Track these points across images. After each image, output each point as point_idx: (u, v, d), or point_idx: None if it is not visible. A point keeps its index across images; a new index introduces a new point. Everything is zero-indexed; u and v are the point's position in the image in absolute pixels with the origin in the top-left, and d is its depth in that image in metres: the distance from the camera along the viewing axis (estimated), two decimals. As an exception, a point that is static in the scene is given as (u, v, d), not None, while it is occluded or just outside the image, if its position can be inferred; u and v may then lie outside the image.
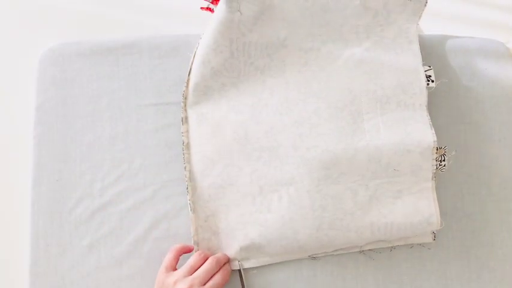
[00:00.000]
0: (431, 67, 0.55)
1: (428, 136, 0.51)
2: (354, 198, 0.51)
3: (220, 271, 0.51)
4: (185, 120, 0.56)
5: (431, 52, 0.60)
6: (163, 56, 0.59)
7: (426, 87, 0.53)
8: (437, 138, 0.56)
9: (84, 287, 0.53)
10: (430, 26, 0.70)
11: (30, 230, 0.54)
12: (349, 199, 0.51)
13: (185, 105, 0.56)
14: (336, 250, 0.53)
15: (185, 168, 0.55)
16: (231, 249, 0.53)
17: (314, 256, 0.53)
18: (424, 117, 0.52)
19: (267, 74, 0.56)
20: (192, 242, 0.54)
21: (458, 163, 0.56)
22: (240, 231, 0.53)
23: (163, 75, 0.59)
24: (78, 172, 0.56)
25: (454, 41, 0.61)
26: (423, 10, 0.56)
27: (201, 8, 0.58)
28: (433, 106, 0.57)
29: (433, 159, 0.51)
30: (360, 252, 0.54)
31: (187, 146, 0.56)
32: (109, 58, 0.59)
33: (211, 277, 0.50)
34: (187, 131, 0.56)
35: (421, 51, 0.56)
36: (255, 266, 0.53)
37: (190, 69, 0.56)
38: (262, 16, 0.54)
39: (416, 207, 0.51)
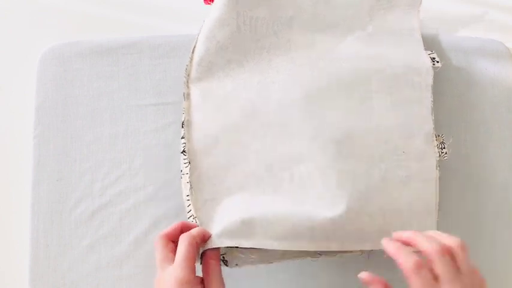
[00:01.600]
0: (434, 51, 0.55)
1: (428, 122, 0.52)
2: (368, 179, 0.49)
3: (179, 243, 0.44)
4: (187, 96, 0.54)
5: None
6: (163, 56, 0.59)
7: (432, 67, 0.54)
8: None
9: (84, 287, 0.53)
10: (430, 26, 0.70)
11: (30, 230, 0.54)
12: (363, 178, 0.49)
13: (187, 82, 0.54)
14: (340, 252, 0.50)
15: (184, 147, 0.52)
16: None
17: (319, 253, 0.50)
18: (428, 99, 0.52)
19: (272, 53, 0.55)
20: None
21: (458, 163, 0.56)
22: (239, 213, 0.47)
23: (163, 75, 0.59)
24: (78, 172, 0.56)
25: (454, 41, 0.61)
26: None
27: (205, 2, 0.58)
28: (433, 106, 0.57)
29: (435, 146, 0.51)
30: (361, 253, 0.53)
31: (187, 123, 0.53)
32: (109, 58, 0.59)
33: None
34: (189, 108, 0.53)
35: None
36: (253, 246, 0.46)
37: (195, 46, 0.54)
38: None
39: (420, 196, 0.50)
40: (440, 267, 0.40)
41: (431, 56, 0.55)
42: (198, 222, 0.48)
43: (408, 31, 0.56)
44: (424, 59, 0.55)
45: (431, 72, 0.54)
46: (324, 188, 0.48)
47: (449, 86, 0.59)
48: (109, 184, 0.55)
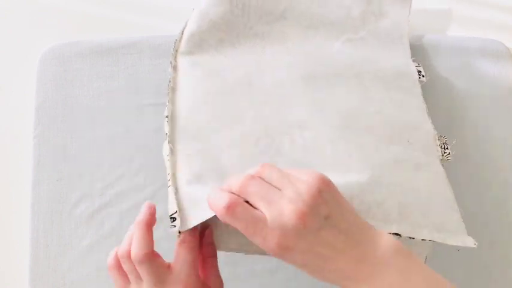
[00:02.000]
0: (420, 64, 0.55)
1: (427, 122, 0.50)
2: (379, 156, 0.45)
3: (179, 246, 0.39)
4: (174, 68, 0.50)
5: (431, 52, 0.60)
6: (163, 56, 0.59)
7: (418, 80, 0.53)
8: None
9: (84, 287, 0.53)
10: (430, 26, 0.70)
11: (30, 230, 0.54)
12: (374, 154, 0.45)
13: (175, 55, 0.51)
14: None
15: (166, 110, 0.46)
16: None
17: None
18: (423, 104, 0.52)
19: (267, 41, 0.54)
20: (170, 191, 0.44)
21: (458, 163, 0.56)
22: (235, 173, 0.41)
23: (163, 75, 0.58)
24: (78, 172, 0.56)
25: (454, 41, 0.61)
26: (411, 3, 0.57)
27: None
28: (432, 106, 0.57)
29: (437, 145, 0.49)
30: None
31: (172, 89, 0.48)
32: (109, 58, 0.59)
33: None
34: (176, 78, 0.49)
35: (421, 51, 0.56)
36: None
37: (185, 27, 0.52)
38: None
39: (435, 186, 0.46)
40: (251, 190, 0.34)
41: (418, 68, 0.54)
42: (175, 178, 0.43)
43: (398, 39, 0.56)
44: (412, 69, 0.54)
45: (418, 85, 0.53)
46: (331, 154, 0.44)
47: (449, 86, 0.59)
48: (109, 184, 0.55)
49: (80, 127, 0.57)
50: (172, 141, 0.45)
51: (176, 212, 0.41)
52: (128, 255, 0.39)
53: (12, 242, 0.60)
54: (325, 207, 0.33)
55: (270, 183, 0.34)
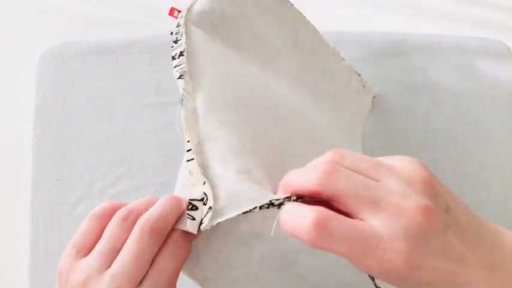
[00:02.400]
0: None
1: None
2: None
3: (169, 246, 0.28)
4: (188, 35, 0.40)
5: (431, 52, 0.60)
6: (163, 56, 0.59)
7: None
8: (436, 139, 0.57)
9: (84, 287, 0.53)
10: (430, 26, 0.70)
11: (30, 230, 0.54)
12: None
13: (187, 25, 0.42)
14: None
15: (179, 68, 0.36)
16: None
17: None
18: None
19: (264, 68, 0.49)
20: (193, 166, 0.31)
21: (458, 163, 0.56)
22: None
23: (163, 75, 0.59)
24: (78, 172, 0.56)
25: (454, 41, 0.61)
26: (369, 109, 0.55)
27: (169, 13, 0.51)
28: (433, 106, 0.57)
29: None
30: None
31: (188, 52, 0.38)
32: (109, 58, 0.59)
33: (154, 259, 0.28)
34: (190, 42, 0.39)
35: (421, 51, 0.56)
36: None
37: (194, 1, 0.44)
38: (267, 13, 0.49)
39: None
40: (341, 187, 0.23)
41: None
42: (202, 150, 0.32)
43: (355, 137, 0.54)
44: None
45: None
46: None
47: (449, 86, 0.59)
48: (109, 184, 0.55)
49: (80, 127, 0.57)
50: (191, 95, 0.35)
51: (204, 198, 0.29)
52: (136, 214, 0.29)
53: (12, 242, 0.60)
54: (441, 197, 0.25)
55: (361, 174, 0.24)
